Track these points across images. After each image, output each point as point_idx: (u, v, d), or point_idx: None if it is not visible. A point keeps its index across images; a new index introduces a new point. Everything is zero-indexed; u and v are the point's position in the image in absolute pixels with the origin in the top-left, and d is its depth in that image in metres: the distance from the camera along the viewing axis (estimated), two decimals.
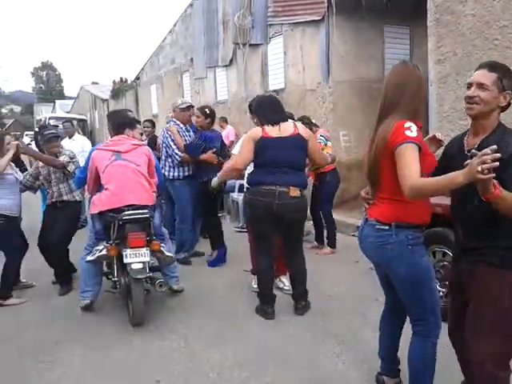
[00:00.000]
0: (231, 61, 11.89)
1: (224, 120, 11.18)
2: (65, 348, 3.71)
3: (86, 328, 4.08)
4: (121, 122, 4.60)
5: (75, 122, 15.64)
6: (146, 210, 4.04)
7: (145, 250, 3.91)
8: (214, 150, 5.55)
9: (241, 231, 7.10)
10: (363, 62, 8.66)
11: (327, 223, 6.23)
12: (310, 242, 6.35)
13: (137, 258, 3.86)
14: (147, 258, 3.92)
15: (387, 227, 2.40)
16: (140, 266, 3.88)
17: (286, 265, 4.40)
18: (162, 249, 4.16)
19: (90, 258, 4.21)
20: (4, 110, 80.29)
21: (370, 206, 2.57)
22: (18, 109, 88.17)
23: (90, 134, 22.94)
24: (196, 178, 5.69)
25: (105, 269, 4.52)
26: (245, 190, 4.57)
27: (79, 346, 3.73)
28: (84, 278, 4.40)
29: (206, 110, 5.76)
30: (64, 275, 5.02)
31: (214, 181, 4.96)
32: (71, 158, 4.94)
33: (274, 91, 9.98)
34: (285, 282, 4.67)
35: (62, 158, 4.89)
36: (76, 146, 7.49)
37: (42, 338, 3.89)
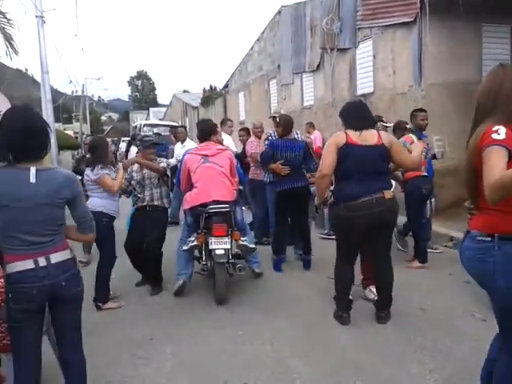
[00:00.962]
0: (318, 66, 11.85)
1: (311, 125, 11.16)
2: (158, 344, 3.90)
3: (179, 326, 4.25)
4: (208, 130, 5.26)
5: (168, 129, 16.42)
6: (227, 205, 4.73)
7: (226, 239, 4.65)
8: (282, 161, 5.52)
9: (326, 238, 7.02)
10: (459, 63, 8.22)
11: (415, 236, 5.86)
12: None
13: (220, 245, 4.61)
14: (228, 246, 4.67)
15: (489, 238, 2.24)
16: (222, 251, 4.62)
17: (374, 274, 4.29)
18: (243, 240, 4.91)
19: (184, 247, 4.92)
20: (103, 117, 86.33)
21: (472, 217, 2.43)
22: (115, 116, 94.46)
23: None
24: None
25: (196, 254, 5.12)
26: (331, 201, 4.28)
27: (172, 344, 3.90)
28: (179, 263, 5.06)
29: (276, 117, 5.81)
30: (157, 276, 5.25)
31: (316, 201, 4.59)
32: (167, 165, 5.28)
33: (362, 95, 9.79)
34: (374, 291, 4.54)
35: (162, 165, 5.19)
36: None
37: (137, 335, 4.11)
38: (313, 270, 5.67)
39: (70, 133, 40.32)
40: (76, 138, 37.64)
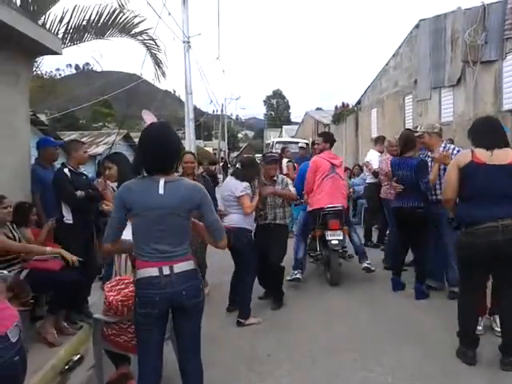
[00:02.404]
0: (459, 80, 11.10)
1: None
2: (276, 361, 3.90)
3: (297, 343, 4.23)
4: (333, 140, 6.54)
5: (297, 146, 16.70)
6: (340, 206, 5.92)
7: (339, 232, 5.85)
8: (394, 179, 5.54)
9: None
10: None
11: None
12: None
13: (334, 236, 5.81)
14: (341, 237, 5.85)
15: None
16: (336, 242, 5.81)
17: (496, 307, 3.84)
18: (352, 236, 6.25)
19: (301, 245, 6.20)
20: (240, 135, 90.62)
21: None
22: (251, 134, 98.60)
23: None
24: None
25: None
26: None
27: (289, 362, 3.87)
28: (295, 258, 6.05)
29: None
30: (279, 291, 5.30)
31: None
32: (286, 185, 5.37)
33: (510, 111, 8.93)
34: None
35: (280, 187, 5.33)
36: None
37: (255, 349, 4.16)
38: (440, 298, 5.24)
39: (210, 149, 43.22)
40: (214, 154, 40.16)
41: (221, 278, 5.87)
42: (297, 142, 19.95)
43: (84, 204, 4.60)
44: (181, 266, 2.54)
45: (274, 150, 22.84)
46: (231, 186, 4.89)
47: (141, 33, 8.43)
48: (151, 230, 2.49)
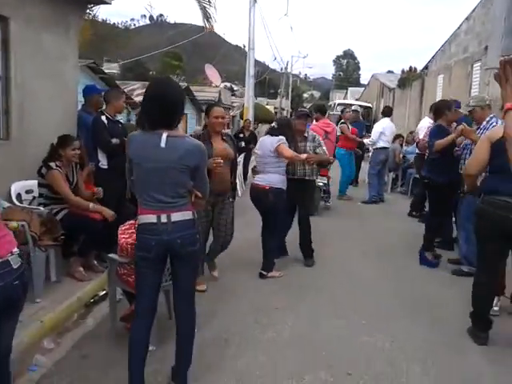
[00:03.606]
0: None
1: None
2: (282, 315, 4.06)
3: (309, 302, 4.36)
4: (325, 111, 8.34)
5: (361, 109, 16.34)
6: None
7: (325, 177, 8.43)
8: None
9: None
10: None
11: None
12: None
13: (321, 180, 7.93)
14: (325, 181, 8.54)
15: None
16: (321, 183, 8.04)
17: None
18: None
19: None
20: (305, 95, 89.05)
21: None
22: (317, 94, 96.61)
23: (373, 122, 23.45)
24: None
25: None
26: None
27: (294, 317, 4.03)
28: None
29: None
30: (310, 247, 5.50)
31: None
32: (319, 144, 5.44)
33: None
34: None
35: (311, 144, 5.41)
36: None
37: (267, 303, 4.33)
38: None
39: (271, 108, 42.90)
40: (275, 113, 39.87)
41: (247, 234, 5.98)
42: (359, 105, 19.43)
43: (118, 151, 4.84)
44: (178, 216, 2.67)
45: (335, 112, 22.52)
46: (267, 143, 4.91)
47: None
48: (150, 180, 2.62)
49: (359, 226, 7.78)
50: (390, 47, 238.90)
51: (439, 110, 5.73)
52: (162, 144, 2.59)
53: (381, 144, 9.80)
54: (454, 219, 6.08)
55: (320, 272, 5.26)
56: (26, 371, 3.05)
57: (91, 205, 4.50)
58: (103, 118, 4.89)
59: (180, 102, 2.70)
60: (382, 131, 9.79)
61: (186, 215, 2.72)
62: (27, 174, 4.70)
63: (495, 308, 3.98)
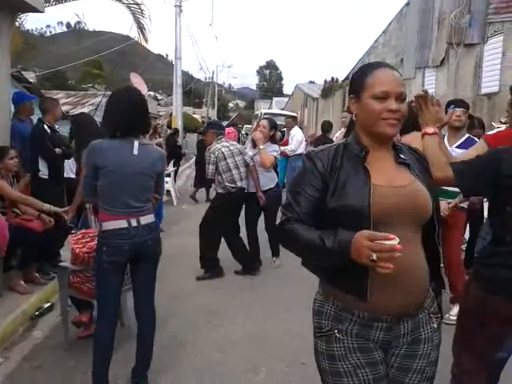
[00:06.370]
0: (442, 61, 11.27)
1: None
2: (232, 315, 4.20)
3: (258, 301, 4.53)
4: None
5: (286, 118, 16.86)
6: None
7: None
8: None
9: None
10: None
11: None
12: None
13: None
14: None
15: None
16: None
17: None
18: None
19: None
20: (231, 104, 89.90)
21: None
22: (242, 103, 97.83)
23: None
24: None
25: None
26: None
27: (244, 316, 4.19)
28: None
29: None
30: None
31: None
32: None
33: (486, 95, 9.16)
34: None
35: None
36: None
37: (213, 304, 4.45)
38: None
39: (198, 117, 42.90)
40: (202, 122, 39.94)
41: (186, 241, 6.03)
42: (285, 115, 20.06)
43: (59, 160, 4.78)
44: (146, 219, 2.81)
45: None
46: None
47: None
48: (123, 186, 2.72)
49: None
50: (311, 58, 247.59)
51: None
52: (135, 151, 2.71)
53: (300, 151, 10.19)
54: None
55: (264, 272, 5.46)
56: None
57: (46, 205, 4.35)
58: (45, 127, 4.81)
59: (147, 113, 2.86)
60: (301, 139, 10.22)
61: (151, 218, 2.87)
62: None
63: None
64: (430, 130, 2.15)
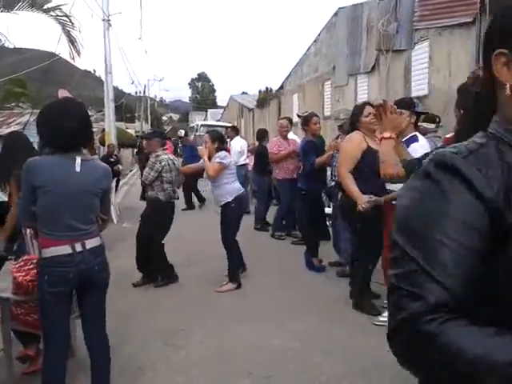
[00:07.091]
0: (373, 68, 11.66)
1: None
2: (189, 334, 4.02)
3: (211, 317, 4.37)
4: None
5: (223, 129, 16.77)
6: None
7: None
8: None
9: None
10: None
11: None
12: None
13: None
14: None
15: None
16: None
17: None
18: None
19: None
20: (164, 118, 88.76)
21: None
22: (176, 116, 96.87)
23: None
24: None
25: None
26: None
27: (201, 333, 4.03)
28: None
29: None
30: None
31: None
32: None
33: (417, 98, 9.52)
34: None
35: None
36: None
37: (170, 324, 4.24)
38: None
39: (132, 132, 41.91)
40: (137, 136, 39.07)
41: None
42: (222, 126, 20.03)
43: None
44: (92, 242, 2.56)
45: (200, 133, 22.84)
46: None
47: (54, 8, 8.04)
48: (65, 207, 2.46)
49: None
50: (242, 70, 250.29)
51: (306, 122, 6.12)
52: (77, 168, 2.47)
53: (241, 161, 10.15)
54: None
55: (216, 286, 5.30)
56: None
57: None
58: None
59: (90, 123, 2.63)
60: (240, 150, 10.18)
61: (98, 241, 2.63)
62: None
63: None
64: (387, 134, 2.48)
